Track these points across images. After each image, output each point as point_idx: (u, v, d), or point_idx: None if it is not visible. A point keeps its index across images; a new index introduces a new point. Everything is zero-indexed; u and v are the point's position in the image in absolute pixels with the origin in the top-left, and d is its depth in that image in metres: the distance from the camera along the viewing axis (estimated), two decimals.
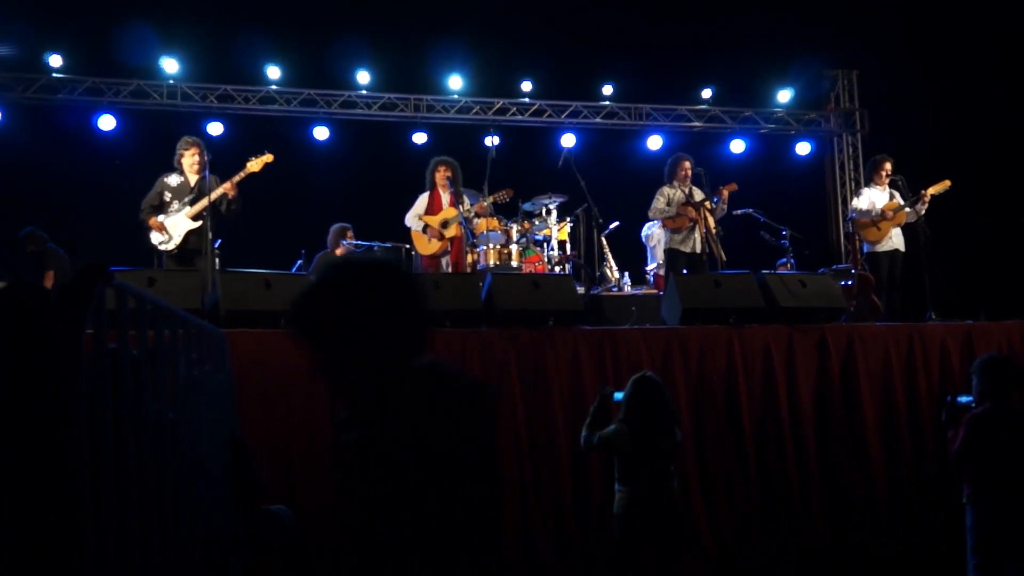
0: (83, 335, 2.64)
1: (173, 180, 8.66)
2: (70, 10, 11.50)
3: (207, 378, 3.99)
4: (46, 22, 11.50)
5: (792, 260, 9.88)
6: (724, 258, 9.32)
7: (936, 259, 9.04)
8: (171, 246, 8.47)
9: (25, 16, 11.27)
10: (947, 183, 9.56)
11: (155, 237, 8.54)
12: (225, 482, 4.14)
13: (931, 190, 9.52)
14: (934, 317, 8.55)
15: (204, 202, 8.43)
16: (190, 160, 8.65)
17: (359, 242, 10.04)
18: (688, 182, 9.73)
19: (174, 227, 8.49)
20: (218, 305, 6.43)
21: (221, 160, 8.83)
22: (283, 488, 5.82)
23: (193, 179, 8.66)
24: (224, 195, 8.48)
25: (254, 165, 8.70)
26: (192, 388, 3.67)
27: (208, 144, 9.01)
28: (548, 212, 9.98)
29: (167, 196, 8.62)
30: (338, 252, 10.19)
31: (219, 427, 4.17)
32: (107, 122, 12.12)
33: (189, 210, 8.49)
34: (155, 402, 3.17)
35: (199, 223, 8.52)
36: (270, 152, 8.77)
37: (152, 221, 8.52)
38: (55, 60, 11.93)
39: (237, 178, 8.58)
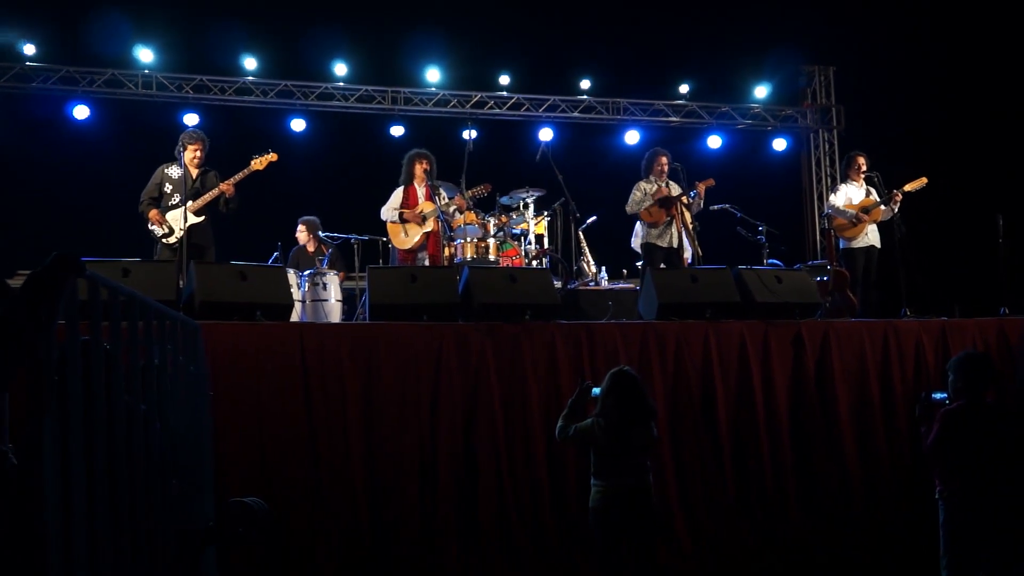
0: (55, 326, 2.61)
1: (174, 172, 8.60)
2: None
3: (181, 370, 3.96)
4: (19, 10, 11.38)
5: (780, 262, 9.85)
6: (701, 253, 9.35)
7: (911, 256, 9.09)
8: (173, 239, 8.42)
9: None
10: (923, 180, 9.60)
11: (156, 229, 8.50)
12: (198, 474, 4.11)
13: (907, 187, 9.56)
14: (909, 313, 8.60)
15: (207, 197, 8.42)
16: (191, 155, 8.60)
17: (335, 234, 10.00)
18: (665, 177, 9.74)
19: (176, 221, 8.43)
20: (193, 296, 6.38)
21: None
22: (257, 480, 5.79)
23: (194, 173, 8.61)
24: (222, 192, 8.46)
25: (258, 163, 8.69)
26: (165, 380, 3.63)
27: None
28: (525, 206, 9.96)
29: (167, 188, 8.57)
30: (310, 248, 10.14)
31: (193, 419, 4.13)
32: (81, 111, 12.06)
33: (192, 204, 8.44)
34: (127, 394, 3.14)
35: (202, 218, 8.49)
36: (256, 146, 8.79)
37: (152, 214, 8.48)
38: (29, 49, 11.82)
39: (239, 176, 8.57)
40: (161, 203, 8.56)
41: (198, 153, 8.63)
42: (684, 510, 6.74)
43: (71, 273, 2.67)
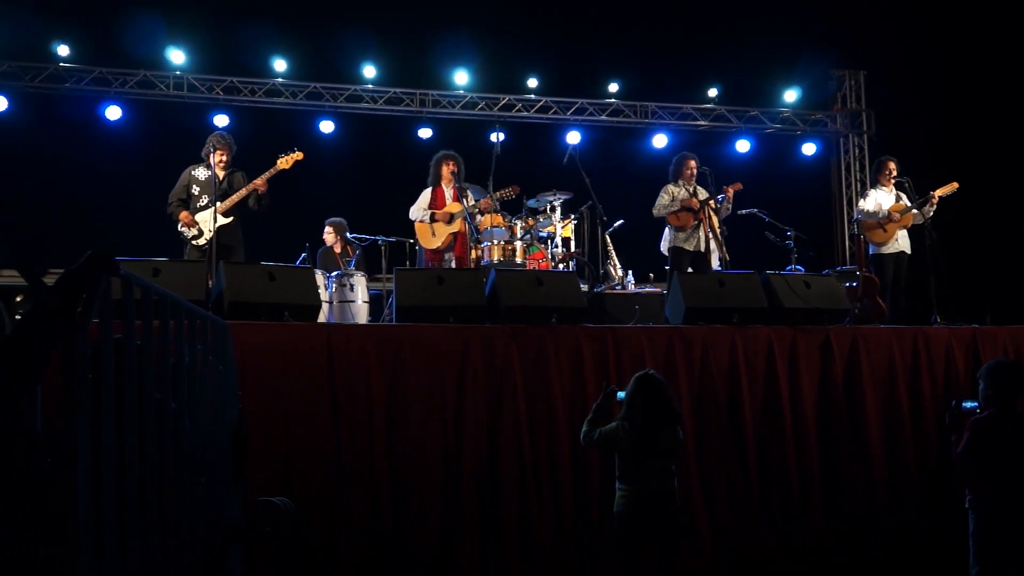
0: (88, 324, 2.63)
1: (201, 174, 8.67)
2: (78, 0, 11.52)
3: (210, 369, 3.98)
4: (54, 11, 11.51)
5: (802, 268, 9.77)
6: (728, 258, 9.31)
7: (942, 262, 9.01)
8: (202, 240, 8.48)
9: (33, 5, 11.27)
10: (954, 185, 9.52)
11: (186, 231, 8.56)
12: (226, 472, 4.14)
13: (938, 192, 9.47)
14: (939, 320, 8.53)
15: (235, 197, 8.49)
16: (217, 158, 8.67)
17: (363, 236, 10.03)
18: (693, 181, 9.71)
19: (205, 222, 8.49)
20: (222, 296, 6.43)
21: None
22: (281, 479, 5.82)
23: (221, 175, 8.68)
24: (254, 190, 8.52)
25: (284, 163, 8.74)
26: (195, 378, 3.66)
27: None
28: (552, 209, 9.96)
29: (195, 189, 8.64)
30: (337, 249, 10.18)
31: (221, 417, 4.16)
32: (113, 112, 12.18)
33: (220, 205, 8.51)
34: (158, 391, 3.17)
35: (230, 219, 8.56)
36: (286, 147, 8.81)
37: (183, 216, 8.54)
38: (63, 50, 11.96)
39: (267, 175, 8.62)
40: (189, 205, 8.63)
41: (224, 158, 8.70)
42: (708, 515, 6.72)
43: (106, 271, 2.70)
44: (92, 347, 2.64)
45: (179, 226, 8.60)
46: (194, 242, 8.54)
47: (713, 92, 13.91)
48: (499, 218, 9.38)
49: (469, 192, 9.41)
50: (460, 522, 6.22)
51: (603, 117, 13.71)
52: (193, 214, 8.55)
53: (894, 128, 13.62)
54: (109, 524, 2.65)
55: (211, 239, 8.34)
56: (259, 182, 8.54)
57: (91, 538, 2.54)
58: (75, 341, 2.56)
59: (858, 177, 14.23)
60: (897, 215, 9.56)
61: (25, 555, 2.54)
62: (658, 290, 9.54)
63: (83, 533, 2.50)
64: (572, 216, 10.05)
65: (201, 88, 12.44)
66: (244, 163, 8.92)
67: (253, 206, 8.62)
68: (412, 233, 9.61)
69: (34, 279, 2.70)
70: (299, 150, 8.85)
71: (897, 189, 9.79)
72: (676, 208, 9.53)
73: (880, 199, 9.76)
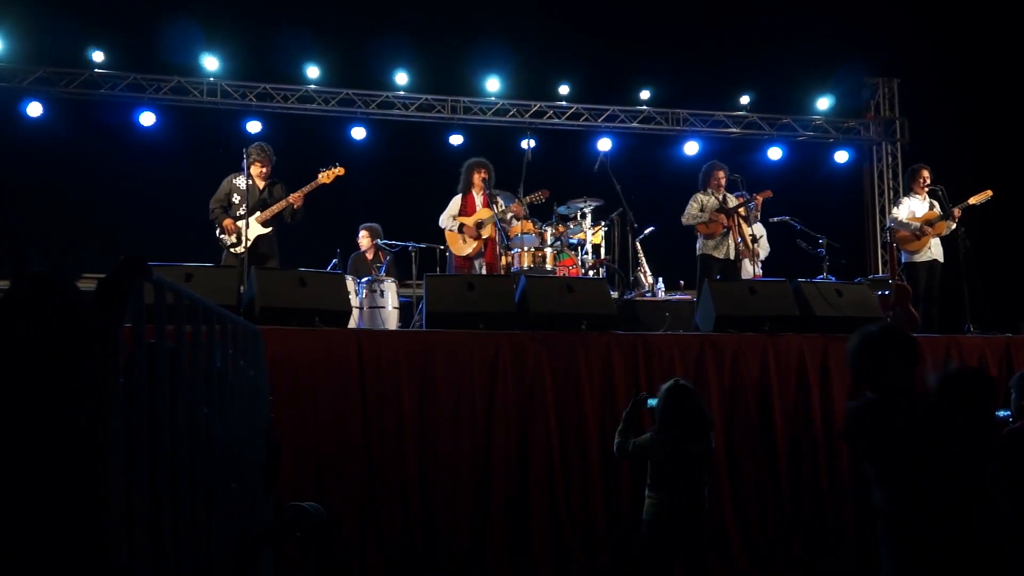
0: (121, 328, 2.65)
1: (241, 183, 8.73)
2: (113, 6, 11.63)
3: (241, 373, 4.01)
4: (89, 18, 11.63)
5: (833, 277, 9.69)
6: (760, 268, 9.26)
7: (975, 271, 8.92)
8: (240, 249, 8.55)
9: (69, 11, 11.41)
10: (988, 193, 9.44)
11: (226, 238, 8.63)
12: (257, 476, 4.16)
13: (972, 200, 9.39)
14: (972, 329, 8.44)
15: (275, 208, 8.56)
16: (258, 170, 8.74)
17: (394, 242, 10.06)
18: (722, 190, 9.68)
19: (244, 230, 8.57)
20: (253, 302, 6.47)
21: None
22: (312, 484, 5.85)
23: (261, 184, 8.75)
24: (290, 204, 8.58)
25: (325, 177, 8.80)
26: (226, 383, 3.68)
27: (247, 142, 9.08)
28: (583, 216, 9.94)
29: (235, 198, 8.70)
30: (370, 255, 10.22)
31: (253, 422, 4.19)
32: (147, 118, 12.24)
33: (259, 215, 8.57)
34: (190, 396, 3.19)
35: (269, 229, 8.63)
36: (317, 153, 8.93)
37: (227, 223, 8.61)
38: (98, 56, 12.07)
39: (307, 189, 8.69)
40: (230, 212, 8.69)
41: (263, 169, 8.77)
42: (738, 524, 6.68)
43: (139, 276, 2.72)
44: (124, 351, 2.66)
45: (218, 232, 8.67)
46: (232, 250, 8.61)
47: (745, 99, 13.84)
48: (529, 224, 9.38)
49: (499, 199, 9.42)
50: (489, 528, 6.22)
51: (634, 124, 13.68)
52: (234, 222, 8.62)
53: (928, 136, 13.50)
54: (140, 526, 2.67)
55: (246, 247, 8.39)
56: (296, 197, 8.60)
57: (123, 538, 2.56)
58: (109, 345, 2.58)
59: (891, 185, 14.11)
60: (928, 227, 9.48)
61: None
62: (688, 297, 9.50)
63: (115, 533, 2.52)
64: (602, 223, 10.03)
65: (234, 94, 12.52)
66: (277, 170, 8.97)
67: (288, 219, 8.69)
68: (442, 239, 9.64)
69: (67, 284, 2.72)
70: (336, 161, 8.91)
71: (931, 197, 9.71)
72: (706, 219, 9.50)
73: (913, 207, 9.69)
